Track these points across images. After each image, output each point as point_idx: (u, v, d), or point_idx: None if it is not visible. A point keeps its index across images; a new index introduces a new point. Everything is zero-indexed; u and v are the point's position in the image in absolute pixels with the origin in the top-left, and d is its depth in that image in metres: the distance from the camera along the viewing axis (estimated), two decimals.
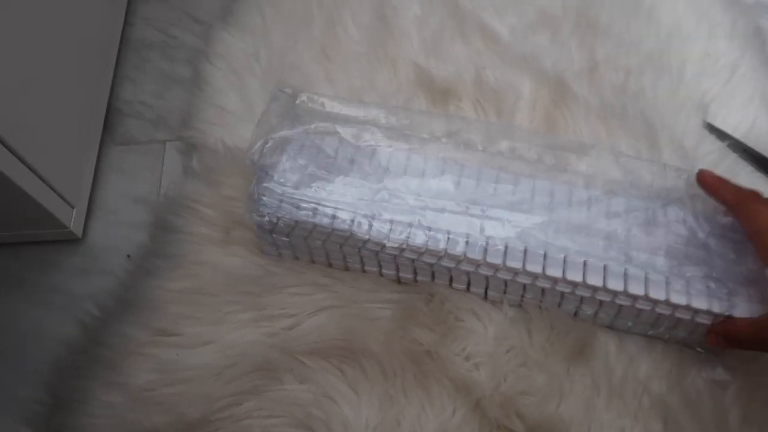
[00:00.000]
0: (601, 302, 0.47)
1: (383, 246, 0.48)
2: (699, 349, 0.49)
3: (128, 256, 0.58)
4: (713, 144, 0.60)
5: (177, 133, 0.65)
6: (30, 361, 0.52)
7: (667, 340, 0.49)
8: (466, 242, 0.47)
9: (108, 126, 0.66)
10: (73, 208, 0.57)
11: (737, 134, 0.60)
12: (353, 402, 0.46)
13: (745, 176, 0.58)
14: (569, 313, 0.50)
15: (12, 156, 0.49)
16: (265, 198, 0.49)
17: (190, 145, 0.63)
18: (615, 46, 0.67)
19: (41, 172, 0.53)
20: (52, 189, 0.55)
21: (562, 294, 0.48)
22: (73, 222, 0.57)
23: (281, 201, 0.49)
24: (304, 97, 0.55)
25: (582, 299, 0.48)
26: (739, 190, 0.46)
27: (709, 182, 0.48)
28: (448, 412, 0.46)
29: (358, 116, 0.55)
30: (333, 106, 0.55)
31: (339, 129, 0.53)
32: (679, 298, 0.45)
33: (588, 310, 0.49)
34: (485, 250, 0.47)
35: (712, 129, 0.61)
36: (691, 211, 0.49)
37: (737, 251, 0.46)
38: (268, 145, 0.51)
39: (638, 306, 0.46)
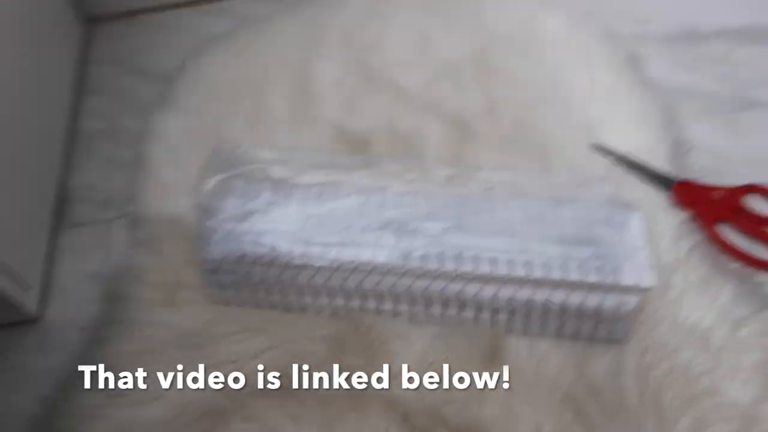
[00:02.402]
0: (512, 304, 0.53)
1: (318, 268, 0.54)
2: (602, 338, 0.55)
3: (82, 328, 0.62)
4: (601, 161, 0.68)
5: (123, 209, 0.71)
6: None
7: (575, 337, 0.55)
8: (387, 253, 0.54)
9: (59, 211, 0.71)
10: (27, 291, 0.62)
11: (621, 150, 0.68)
12: None
13: (631, 185, 0.66)
14: (486, 323, 0.55)
15: None
16: (209, 236, 0.56)
17: (135, 219, 0.68)
18: (511, 86, 0.76)
19: None
20: (6, 275, 0.59)
21: (478, 304, 0.54)
22: (29, 304, 0.62)
23: (224, 237, 0.56)
24: (241, 149, 0.64)
25: (495, 304, 0.54)
26: None
27: None
28: (381, 429, 0.50)
29: (288, 159, 0.63)
30: (266, 154, 0.64)
31: (272, 169, 0.61)
32: (573, 275, 0.52)
33: (502, 316, 0.55)
34: (405, 256, 0.53)
35: (599, 148, 0.69)
36: (578, 207, 0.57)
37: (620, 233, 0.54)
38: (209, 187, 0.59)
39: (541, 297, 0.53)
